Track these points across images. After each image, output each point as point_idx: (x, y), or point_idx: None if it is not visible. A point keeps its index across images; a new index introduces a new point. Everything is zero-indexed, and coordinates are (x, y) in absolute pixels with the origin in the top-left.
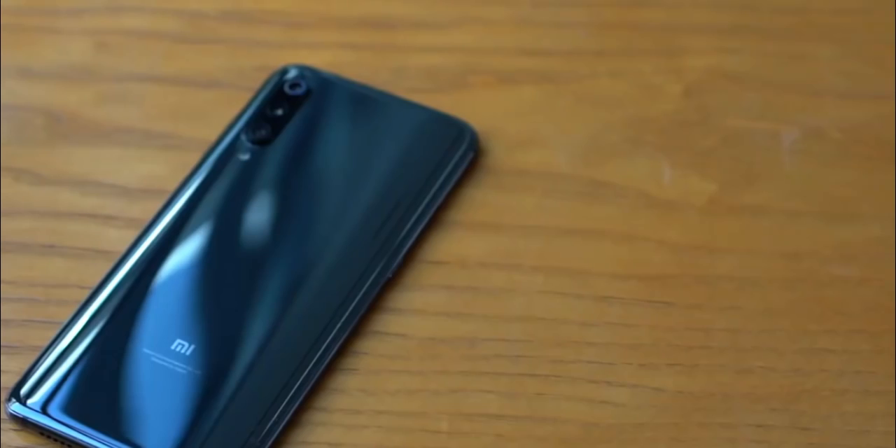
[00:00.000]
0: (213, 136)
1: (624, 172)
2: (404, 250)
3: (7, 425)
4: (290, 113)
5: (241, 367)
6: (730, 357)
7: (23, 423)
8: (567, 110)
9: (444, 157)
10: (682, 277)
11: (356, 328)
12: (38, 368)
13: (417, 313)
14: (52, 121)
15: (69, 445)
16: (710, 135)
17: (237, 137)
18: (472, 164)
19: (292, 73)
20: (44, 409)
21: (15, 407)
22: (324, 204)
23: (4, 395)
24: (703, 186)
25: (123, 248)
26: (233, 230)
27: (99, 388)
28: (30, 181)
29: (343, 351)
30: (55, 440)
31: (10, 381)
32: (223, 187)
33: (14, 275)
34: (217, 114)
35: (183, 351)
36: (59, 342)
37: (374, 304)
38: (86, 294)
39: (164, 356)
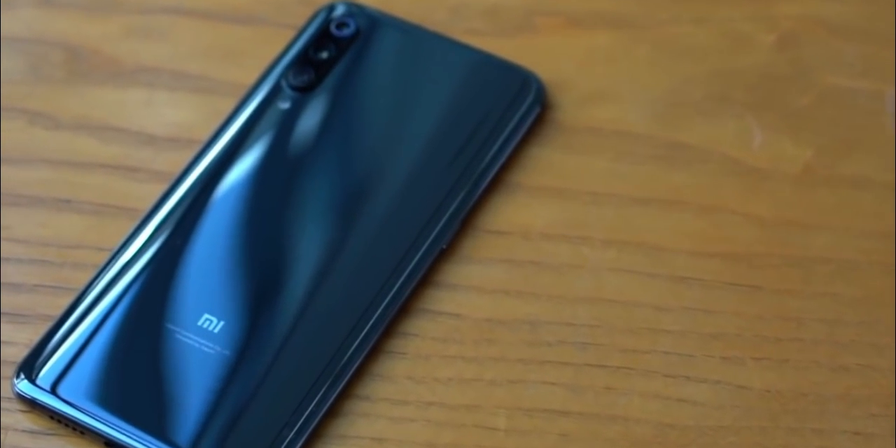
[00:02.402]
0: (249, 79)
1: (707, 134)
2: (461, 217)
3: (13, 405)
4: (336, 56)
5: (275, 347)
6: (824, 352)
7: (31, 404)
8: (644, 61)
9: (506, 111)
10: (771, 257)
11: (404, 306)
12: (48, 343)
13: (473, 290)
14: (71, 57)
15: (81, 431)
16: (805, 93)
17: (277, 83)
18: (538, 120)
19: (340, 11)
20: (54, 390)
21: (23, 385)
22: (372, 162)
23: (11, 371)
24: (796, 152)
25: (148, 206)
26: (270, 189)
27: (116, 367)
28: (45, 125)
29: (389, 332)
30: (66, 425)
31: (16, 355)
32: (260, 139)
33: (25, 233)
34: (255, 54)
35: (211, 327)
36: (73, 312)
37: (425, 278)
38: (104, 257)
39: (190, 333)
